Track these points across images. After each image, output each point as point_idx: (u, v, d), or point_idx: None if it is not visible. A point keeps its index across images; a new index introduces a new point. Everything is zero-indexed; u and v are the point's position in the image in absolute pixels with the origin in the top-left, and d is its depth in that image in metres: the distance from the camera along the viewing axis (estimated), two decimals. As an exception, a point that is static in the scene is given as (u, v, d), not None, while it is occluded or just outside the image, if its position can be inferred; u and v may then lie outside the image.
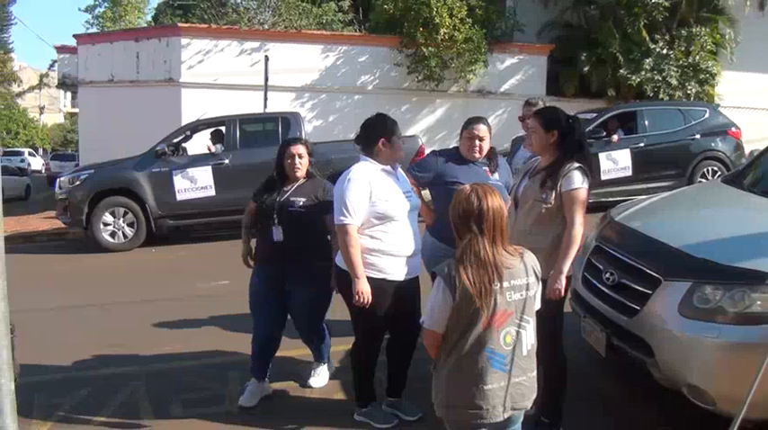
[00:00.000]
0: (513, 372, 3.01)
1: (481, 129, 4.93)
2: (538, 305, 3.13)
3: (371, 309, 4.27)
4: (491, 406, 2.98)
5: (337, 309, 4.71)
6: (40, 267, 10.48)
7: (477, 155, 4.94)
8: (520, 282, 3.00)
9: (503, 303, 2.94)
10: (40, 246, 12.77)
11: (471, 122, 5.00)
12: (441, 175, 4.93)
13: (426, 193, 5.12)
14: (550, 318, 4.14)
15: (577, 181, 4.09)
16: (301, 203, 4.83)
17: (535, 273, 3.07)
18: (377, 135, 4.42)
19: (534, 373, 3.12)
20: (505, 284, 2.95)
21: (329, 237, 4.83)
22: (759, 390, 3.31)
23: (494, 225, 2.98)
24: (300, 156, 4.92)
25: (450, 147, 5.35)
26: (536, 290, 3.08)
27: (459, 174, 4.82)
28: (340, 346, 5.56)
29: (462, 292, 2.90)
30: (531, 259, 3.10)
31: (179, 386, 5.42)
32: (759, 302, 3.72)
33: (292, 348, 5.54)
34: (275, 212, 4.83)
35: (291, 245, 4.81)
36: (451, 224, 3.08)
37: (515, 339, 3.00)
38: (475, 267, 2.92)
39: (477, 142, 4.92)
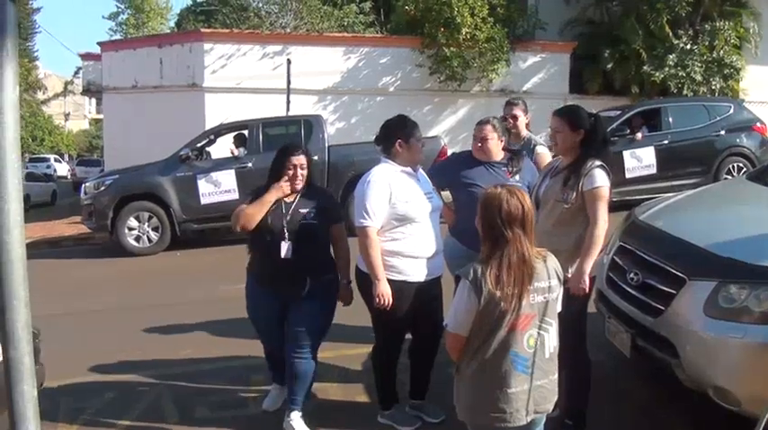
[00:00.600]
0: (535, 375, 2.99)
1: (482, 130, 4.87)
2: (559, 308, 3.12)
3: (392, 310, 4.27)
4: (514, 409, 2.97)
5: (357, 312, 4.68)
6: (65, 272, 10.59)
7: (484, 156, 4.87)
8: (543, 285, 2.99)
9: (527, 306, 2.93)
10: (65, 251, 12.92)
11: (478, 123, 4.98)
12: (459, 177, 4.89)
13: (447, 195, 5.10)
14: (574, 320, 4.13)
15: (599, 179, 4.06)
16: (312, 215, 4.47)
17: (557, 275, 3.06)
18: (394, 136, 4.43)
19: (556, 376, 3.11)
20: (531, 286, 2.95)
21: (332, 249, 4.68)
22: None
23: (532, 226, 3.00)
24: (302, 167, 4.51)
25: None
26: (558, 292, 3.07)
27: (477, 176, 4.79)
28: (361, 349, 5.56)
29: (488, 296, 2.89)
30: (554, 262, 3.09)
31: (203, 389, 5.45)
32: (785, 301, 3.66)
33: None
34: (285, 227, 4.42)
35: (300, 260, 4.40)
36: (484, 225, 3.04)
37: (538, 342, 2.99)
38: (516, 268, 2.91)
39: (480, 143, 4.87)
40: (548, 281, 3.01)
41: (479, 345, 2.97)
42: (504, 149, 4.92)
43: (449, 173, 5.05)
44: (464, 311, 2.97)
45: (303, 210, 4.46)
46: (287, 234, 4.39)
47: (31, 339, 2.39)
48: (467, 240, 4.60)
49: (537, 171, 5.03)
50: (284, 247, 4.39)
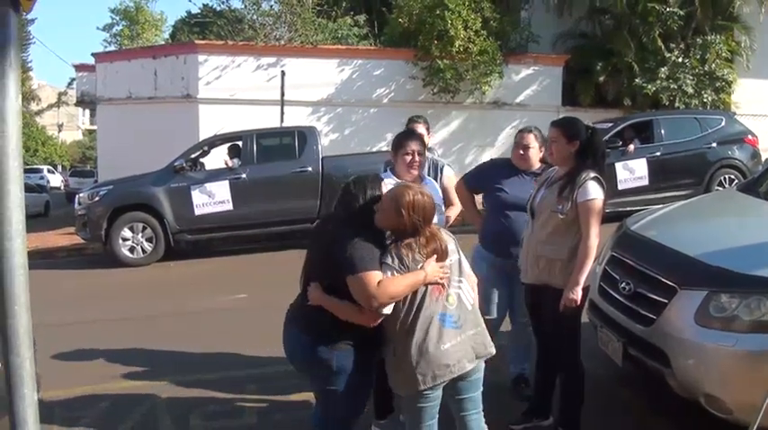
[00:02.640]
0: (465, 327, 3.38)
1: (525, 137, 4.92)
2: (466, 268, 3.57)
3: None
4: (455, 360, 3.31)
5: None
6: (59, 283, 10.57)
7: (524, 164, 4.93)
8: (450, 248, 3.44)
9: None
10: (59, 262, 12.87)
11: (520, 131, 5.03)
12: (490, 183, 4.98)
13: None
14: (569, 329, 4.18)
15: (593, 191, 4.09)
16: None
17: (454, 240, 3.53)
18: (393, 149, 4.56)
19: (483, 325, 3.50)
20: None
21: None
22: (775, 399, 3.31)
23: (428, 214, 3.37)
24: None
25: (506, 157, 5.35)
26: (459, 256, 3.51)
27: (506, 184, 4.87)
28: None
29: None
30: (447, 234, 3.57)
31: (198, 399, 5.45)
32: (775, 310, 3.70)
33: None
34: None
35: None
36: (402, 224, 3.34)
37: (458, 296, 3.40)
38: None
39: (521, 151, 4.92)
40: (451, 244, 3.46)
41: (411, 322, 3.29)
42: (540, 161, 4.97)
43: (484, 178, 5.13)
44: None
45: None
46: None
47: (31, 345, 2.42)
48: (487, 244, 4.77)
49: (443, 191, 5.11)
50: None
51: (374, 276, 3.21)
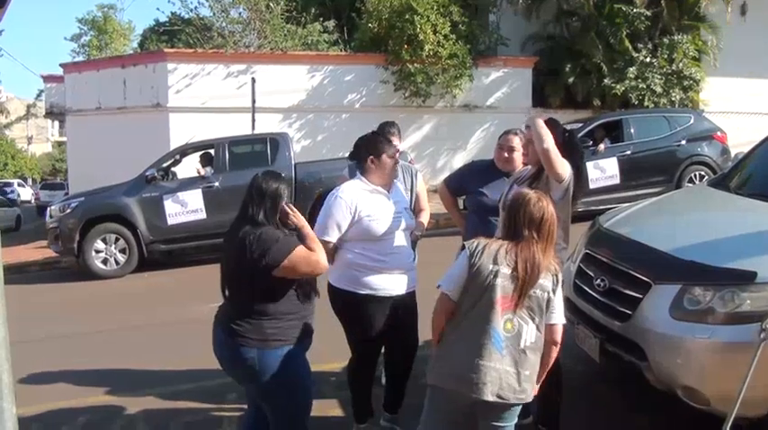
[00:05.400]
0: (506, 359, 3.18)
1: (509, 140, 4.84)
2: (556, 318, 3.32)
3: (365, 325, 4.30)
4: (481, 382, 3.14)
5: (329, 327, 4.68)
6: (32, 297, 10.45)
7: (507, 166, 4.86)
8: (541, 282, 3.22)
9: (506, 288, 3.18)
10: (32, 276, 12.72)
11: (505, 133, 4.96)
12: (471, 186, 4.94)
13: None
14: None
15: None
16: None
17: (553, 280, 3.27)
18: (366, 153, 4.43)
19: (528, 373, 3.23)
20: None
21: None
22: (751, 388, 3.35)
23: (549, 234, 3.27)
24: None
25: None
26: (547, 294, 3.25)
27: (487, 187, 4.81)
28: (337, 363, 5.56)
29: (478, 267, 3.21)
30: (558, 269, 3.35)
31: (176, 410, 5.42)
32: (749, 301, 3.75)
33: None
34: None
35: None
36: (508, 221, 3.35)
37: (515, 329, 3.20)
38: (527, 265, 3.19)
39: (506, 153, 4.85)
40: (543, 280, 3.23)
41: (464, 313, 3.21)
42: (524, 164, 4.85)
43: (466, 181, 5.09)
44: (456, 275, 3.29)
45: None
46: None
47: (9, 357, 2.38)
48: None
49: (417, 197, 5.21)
50: None
51: (302, 248, 3.56)
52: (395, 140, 5.10)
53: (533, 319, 3.22)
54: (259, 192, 3.68)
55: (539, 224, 3.24)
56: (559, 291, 3.31)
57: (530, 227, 3.25)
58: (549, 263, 3.26)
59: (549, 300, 3.25)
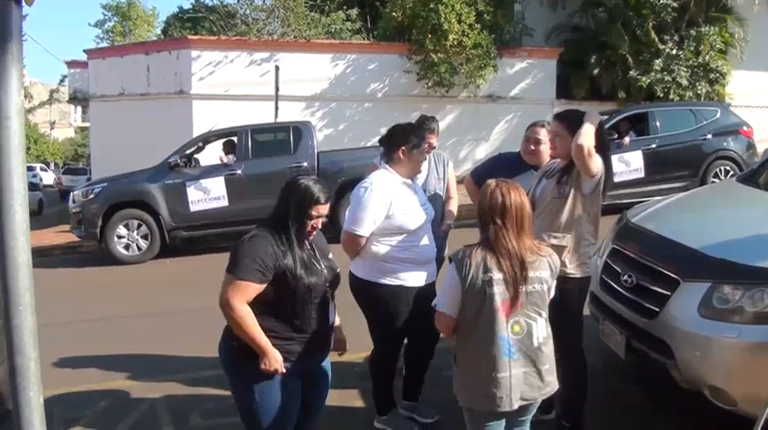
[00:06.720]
0: (521, 362, 3.13)
1: (536, 132, 4.79)
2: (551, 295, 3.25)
3: (393, 316, 4.31)
4: (504, 394, 3.08)
5: (356, 319, 4.67)
6: (55, 281, 10.51)
7: (534, 159, 4.80)
8: (532, 275, 3.11)
9: (508, 292, 3.08)
10: (54, 260, 12.81)
11: (532, 125, 4.90)
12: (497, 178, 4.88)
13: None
14: (570, 321, 4.14)
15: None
16: (336, 264, 3.67)
17: (551, 268, 3.18)
18: (399, 142, 4.39)
19: (548, 367, 3.20)
20: (530, 275, 3.10)
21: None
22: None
23: (516, 219, 3.12)
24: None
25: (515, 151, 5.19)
26: (549, 285, 3.18)
27: (514, 179, 4.70)
28: (359, 354, 5.55)
29: (470, 278, 3.05)
30: (552, 256, 3.23)
31: (198, 397, 5.44)
32: (779, 301, 3.69)
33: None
34: (329, 285, 3.52)
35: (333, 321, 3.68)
36: (479, 221, 3.23)
37: (524, 329, 3.12)
38: (503, 257, 3.06)
39: (533, 146, 4.79)
40: (538, 272, 3.13)
41: (471, 323, 3.11)
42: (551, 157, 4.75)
43: (492, 173, 4.99)
44: (449, 290, 3.16)
45: (331, 260, 3.64)
46: (331, 294, 3.58)
47: (36, 346, 2.38)
48: None
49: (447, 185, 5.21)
50: (332, 312, 3.62)
51: (239, 286, 3.28)
52: (432, 136, 5.08)
53: (540, 314, 3.16)
54: (288, 190, 3.41)
55: (502, 211, 3.11)
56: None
57: (493, 216, 3.13)
58: (534, 247, 3.16)
59: (550, 289, 3.20)
